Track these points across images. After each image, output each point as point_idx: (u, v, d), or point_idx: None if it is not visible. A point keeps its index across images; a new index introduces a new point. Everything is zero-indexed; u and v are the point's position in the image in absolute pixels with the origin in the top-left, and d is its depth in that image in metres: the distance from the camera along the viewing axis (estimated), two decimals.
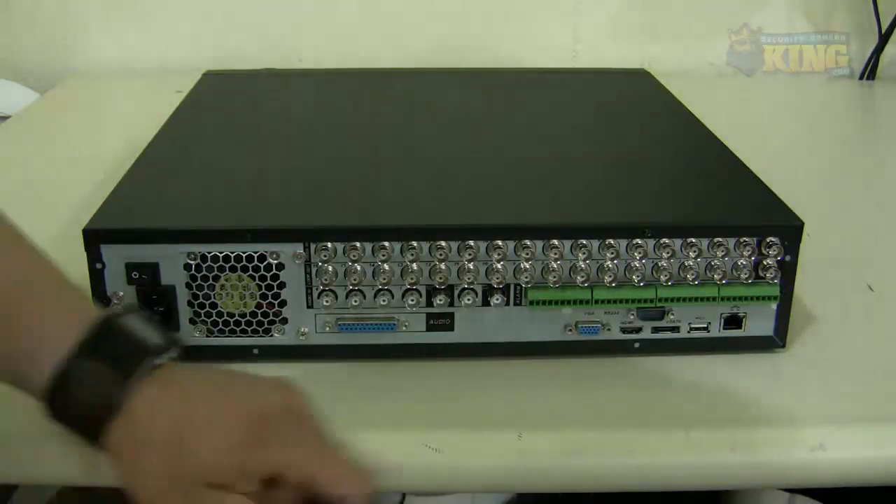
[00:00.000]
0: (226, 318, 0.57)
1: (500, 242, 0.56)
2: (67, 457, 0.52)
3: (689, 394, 0.56)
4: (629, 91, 0.90)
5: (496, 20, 1.19)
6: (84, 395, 0.46)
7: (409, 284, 0.57)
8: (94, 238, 0.55)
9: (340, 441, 0.49)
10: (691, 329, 0.59)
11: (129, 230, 0.56)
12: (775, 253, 0.57)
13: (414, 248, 0.56)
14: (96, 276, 0.55)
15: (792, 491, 0.90)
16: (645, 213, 0.60)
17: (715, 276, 0.57)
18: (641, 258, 0.57)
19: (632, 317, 0.59)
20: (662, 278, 0.57)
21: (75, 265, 0.55)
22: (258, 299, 0.57)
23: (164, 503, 0.46)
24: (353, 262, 0.56)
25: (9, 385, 0.48)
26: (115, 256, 0.55)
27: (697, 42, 1.21)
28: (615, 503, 0.69)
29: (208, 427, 0.46)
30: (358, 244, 0.55)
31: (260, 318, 0.57)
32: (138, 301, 0.56)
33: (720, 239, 0.57)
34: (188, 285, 0.56)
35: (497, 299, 0.57)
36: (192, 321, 0.57)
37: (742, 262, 0.57)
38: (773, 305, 0.59)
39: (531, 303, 0.57)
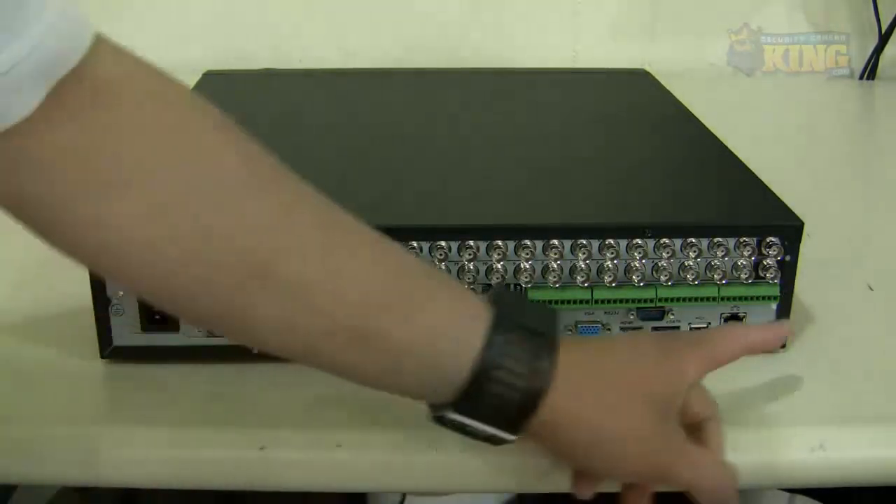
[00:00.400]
0: None
1: (499, 242, 0.56)
2: (67, 457, 0.52)
3: None
4: (629, 91, 0.90)
5: (496, 20, 1.19)
6: (513, 373, 0.43)
7: None
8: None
9: None
10: (691, 329, 0.59)
11: None
12: (775, 253, 0.57)
13: (414, 248, 0.56)
14: (96, 276, 0.55)
15: (792, 491, 0.91)
16: (645, 213, 0.60)
17: (715, 276, 0.57)
18: (641, 258, 0.57)
19: (632, 317, 0.59)
20: (662, 278, 0.57)
21: (75, 265, 0.55)
22: None
23: (663, 441, 0.46)
24: None
25: (397, 394, 0.46)
26: None
27: (697, 42, 1.21)
28: (615, 503, 0.69)
29: (645, 348, 0.48)
30: None
31: None
32: (138, 301, 0.56)
33: (720, 239, 0.57)
34: None
35: None
36: None
37: (742, 262, 0.57)
38: (773, 305, 0.59)
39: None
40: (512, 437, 0.45)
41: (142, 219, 0.40)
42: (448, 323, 0.44)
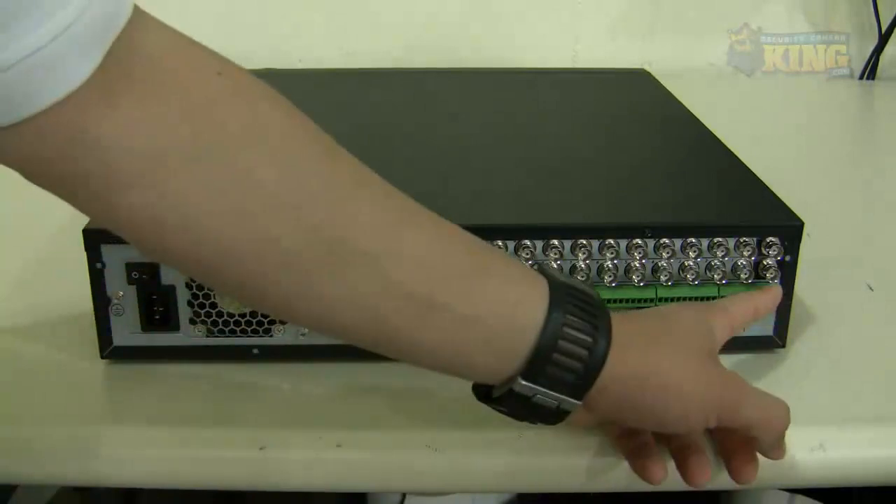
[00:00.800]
0: (226, 318, 0.57)
1: (500, 242, 0.56)
2: (67, 457, 0.52)
3: None
4: (629, 91, 0.90)
5: (496, 20, 1.19)
6: (577, 330, 0.44)
7: None
8: (95, 238, 0.55)
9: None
10: None
11: None
12: (775, 253, 0.57)
13: None
14: (96, 276, 0.55)
15: (792, 491, 0.91)
16: (645, 213, 0.60)
17: (715, 276, 0.57)
18: (641, 258, 0.57)
19: None
20: (662, 278, 0.57)
21: (75, 265, 0.56)
22: None
23: (727, 384, 0.48)
24: None
25: (462, 373, 0.46)
26: (116, 256, 0.55)
27: (697, 42, 1.21)
28: (615, 503, 0.69)
29: (678, 310, 0.50)
30: None
31: (260, 318, 0.57)
32: (138, 301, 0.56)
33: (720, 239, 0.57)
34: (188, 285, 0.56)
35: None
36: (192, 321, 0.57)
37: (742, 262, 0.57)
38: None
39: None
40: (577, 402, 0.45)
41: (210, 196, 0.39)
42: (511, 291, 0.44)
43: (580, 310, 0.44)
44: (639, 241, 0.57)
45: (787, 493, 0.91)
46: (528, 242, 0.56)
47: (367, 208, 0.42)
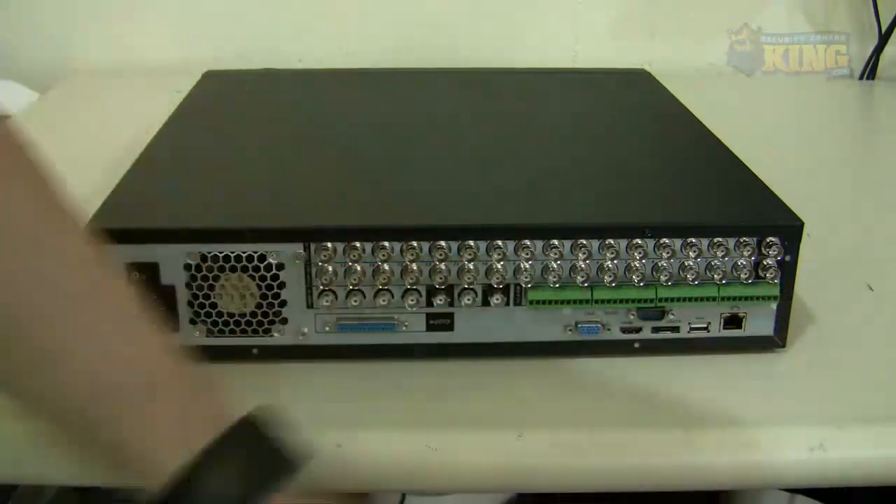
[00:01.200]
0: (226, 318, 0.57)
1: (499, 242, 0.56)
2: (67, 457, 0.52)
3: (689, 394, 0.56)
4: (629, 91, 0.90)
5: (496, 20, 1.19)
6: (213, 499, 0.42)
7: (409, 284, 0.57)
8: (94, 238, 0.55)
9: None
10: (691, 329, 0.59)
11: (128, 230, 0.56)
12: (775, 253, 0.57)
13: (414, 247, 0.56)
14: None
15: (792, 491, 0.91)
16: (645, 213, 0.60)
17: (715, 276, 0.57)
18: (641, 258, 0.57)
19: (632, 317, 0.59)
20: (662, 278, 0.57)
21: None
22: (258, 299, 0.57)
23: None
24: (353, 262, 0.56)
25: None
26: (115, 256, 0.55)
27: (697, 42, 1.21)
28: (615, 503, 0.69)
29: None
30: (358, 244, 0.55)
31: (260, 318, 0.57)
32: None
33: (720, 239, 0.57)
34: (188, 285, 0.56)
35: (497, 299, 0.57)
36: (192, 321, 0.57)
37: (742, 262, 0.57)
38: (773, 305, 0.59)
39: (531, 303, 0.57)
40: None
41: None
42: (171, 427, 0.44)
43: (243, 471, 0.43)
44: (639, 241, 0.57)
45: (787, 493, 0.91)
46: (528, 242, 0.56)
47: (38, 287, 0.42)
